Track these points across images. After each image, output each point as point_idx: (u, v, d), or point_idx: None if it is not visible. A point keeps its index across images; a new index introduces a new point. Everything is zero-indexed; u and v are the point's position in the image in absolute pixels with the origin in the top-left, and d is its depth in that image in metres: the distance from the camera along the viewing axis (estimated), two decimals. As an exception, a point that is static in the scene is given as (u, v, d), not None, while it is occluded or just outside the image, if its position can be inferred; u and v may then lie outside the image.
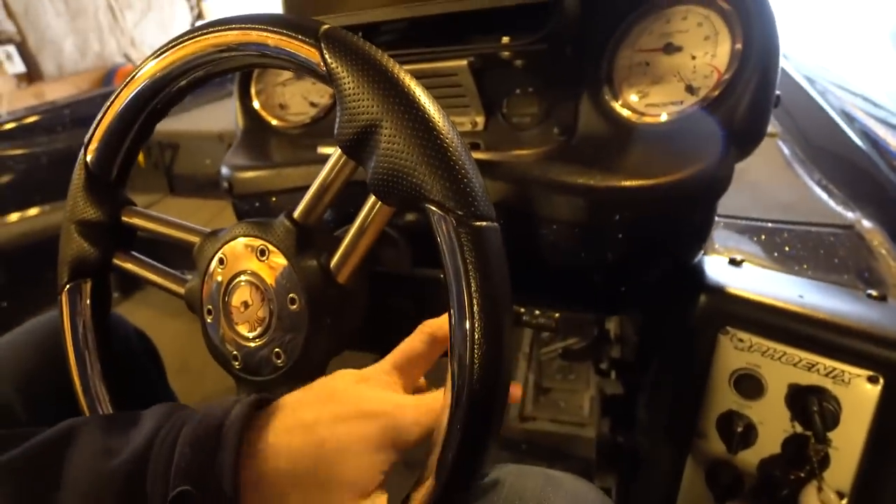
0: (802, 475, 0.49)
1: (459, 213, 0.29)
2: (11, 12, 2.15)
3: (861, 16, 1.40)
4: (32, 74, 2.29)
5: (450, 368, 0.29)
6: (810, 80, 0.99)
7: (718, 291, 0.52)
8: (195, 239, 0.41)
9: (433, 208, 0.29)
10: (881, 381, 0.45)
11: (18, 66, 2.23)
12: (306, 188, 0.37)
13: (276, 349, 0.36)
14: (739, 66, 0.46)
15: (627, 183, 0.46)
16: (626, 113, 0.50)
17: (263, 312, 0.36)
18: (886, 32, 1.23)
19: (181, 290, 0.41)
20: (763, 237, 0.65)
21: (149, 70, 0.39)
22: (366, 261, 0.36)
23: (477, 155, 0.53)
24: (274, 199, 0.61)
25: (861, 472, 0.47)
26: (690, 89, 0.48)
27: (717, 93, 0.47)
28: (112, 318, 0.46)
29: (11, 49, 2.19)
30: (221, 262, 0.38)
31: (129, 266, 0.44)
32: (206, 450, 0.27)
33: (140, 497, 0.27)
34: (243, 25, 0.34)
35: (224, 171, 0.63)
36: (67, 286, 0.42)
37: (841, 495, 0.47)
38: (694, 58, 0.48)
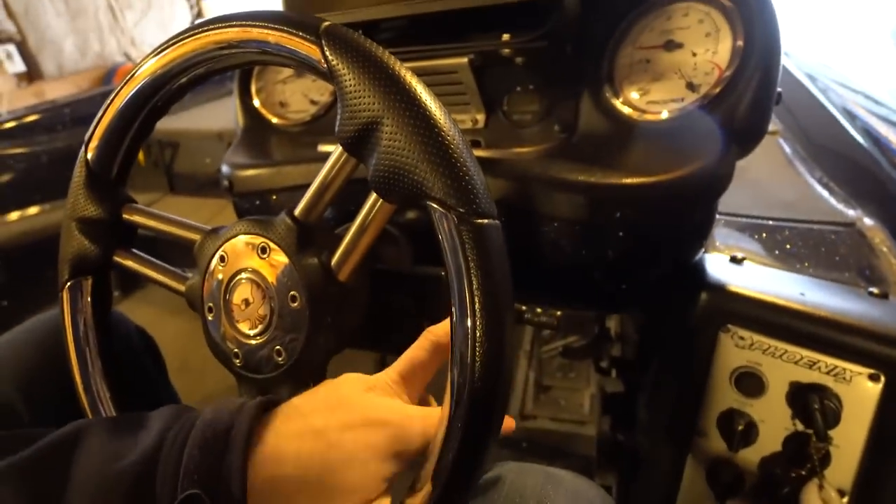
0: (803, 473, 0.49)
1: (461, 210, 0.29)
2: (11, 12, 2.15)
3: (863, 13, 1.40)
4: (32, 74, 2.29)
5: (450, 367, 0.29)
6: (812, 78, 0.99)
7: (719, 289, 0.52)
8: (196, 236, 0.40)
9: (434, 206, 0.29)
10: (882, 378, 0.45)
11: (19, 66, 2.23)
12: (307, 186, 0.37)
13: (277, 347, 0.36)
14: (741, 64, 0.46)
15: (628, 180, 0.46)
16: (626, 110, 0.50)
17: (264, 310, 0.36)
18: (888, 30, 1.23)
19: (182, 288, 0.41)
20: (764, 235, 0.65)
21: (149, 67, 0.39)
22: (367, 259, 0.36)
23: (477, 152, 0.53)
24: (274, 197, 0.61)
25: (862, 470, 0.47)
26: (691, 86, 0.48)
27: (718, 90, 0.47)
28: (113, 316, 0.46)
29: (12, 48, 2.19)
30: (222, 259, 0.38)
31: (129, 263, 0.44)
32: (215, 452, 0.27)
33: (149, 499, 0.27)
34: (244, 22, 0.34)
35: (224, 169, 0.63)
36: (68, 284, 0.42)
37: (842, 493, 0.47)
38: (695, 55, 0.48)
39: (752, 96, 0.45)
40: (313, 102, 0.66)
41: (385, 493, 0.31)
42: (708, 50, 0.48)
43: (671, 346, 0.58)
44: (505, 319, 0.29)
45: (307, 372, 0.37)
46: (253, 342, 0.37)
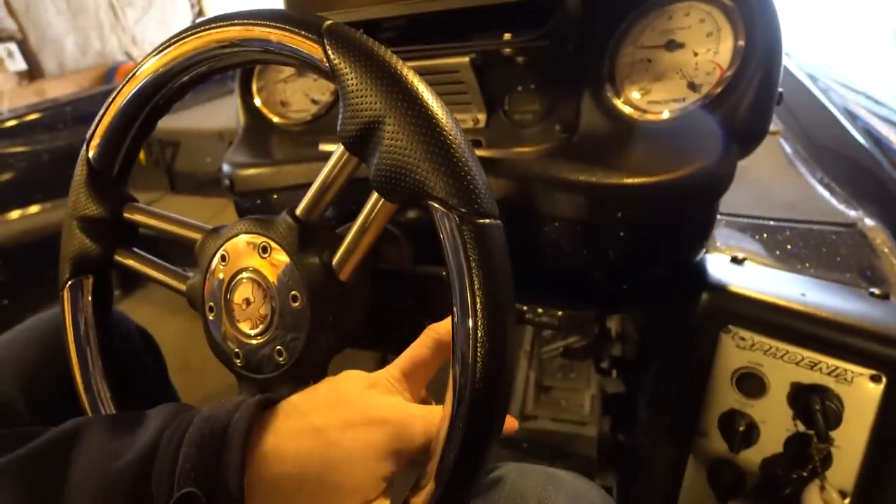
0: (805, 474, 0.49)
1: (462, 210, 0.29)
2: (13, 10, 2.14)
3: (864, 14, 1.40)
4: (34, 72, 2.29)
5: (452, 366, 0.29)
6: (813, 78, 0.99)
7: (720, 290, 0.52)
8: (197, 235, 0.40)
9: (436, 205, 0.29)
10: (884, 379, 0.45)
11: (20, 64, 2.23)
12: (308, 185, 0.37)
13: (278, 347, 0.36)
14: (742, 63, 0.46)
15: (629, 180, 0.46)
16: (627, 110, 0.50)
17: (265, 310, 0.36)
18: (889, 30, 1.23)
19: (183, 287, 0.41)
20: (765, 235, 0.65)
21: (151, 66, 0.38)
22: (368, 258, 0.36)
23: (479, 152, 0.53)
24: (275, 196, 0.61)
25: (864, 472, 0.47)
26: (692, 86, 0.48)
27: (719, 90, 0.47)
28: (113, 316, 0.46)
29: (13, 46, 2.19)
30: (223, 258, 0.38)
31: (130, 262, 0.44)
32: (212, 451, 0.27)
33: (146, 498, 0.27)
34: (246, 21, 0.34)
35: (225, 168, 0.63)
36: (69, 283, 0.42)
37: (843, 494, 0.47)
38: (696, 55, 0.48)
39: (753, 96, 0.45)
40: (314, 102, 0.66)
41: (385, 492, 0.31)
42: (709, 50, 0.48)
43: (672, 347, 0.58)
44: (506, 319, 0.29)
45: (308, 371, 0.36)
46: (254, 342, 0.37)
